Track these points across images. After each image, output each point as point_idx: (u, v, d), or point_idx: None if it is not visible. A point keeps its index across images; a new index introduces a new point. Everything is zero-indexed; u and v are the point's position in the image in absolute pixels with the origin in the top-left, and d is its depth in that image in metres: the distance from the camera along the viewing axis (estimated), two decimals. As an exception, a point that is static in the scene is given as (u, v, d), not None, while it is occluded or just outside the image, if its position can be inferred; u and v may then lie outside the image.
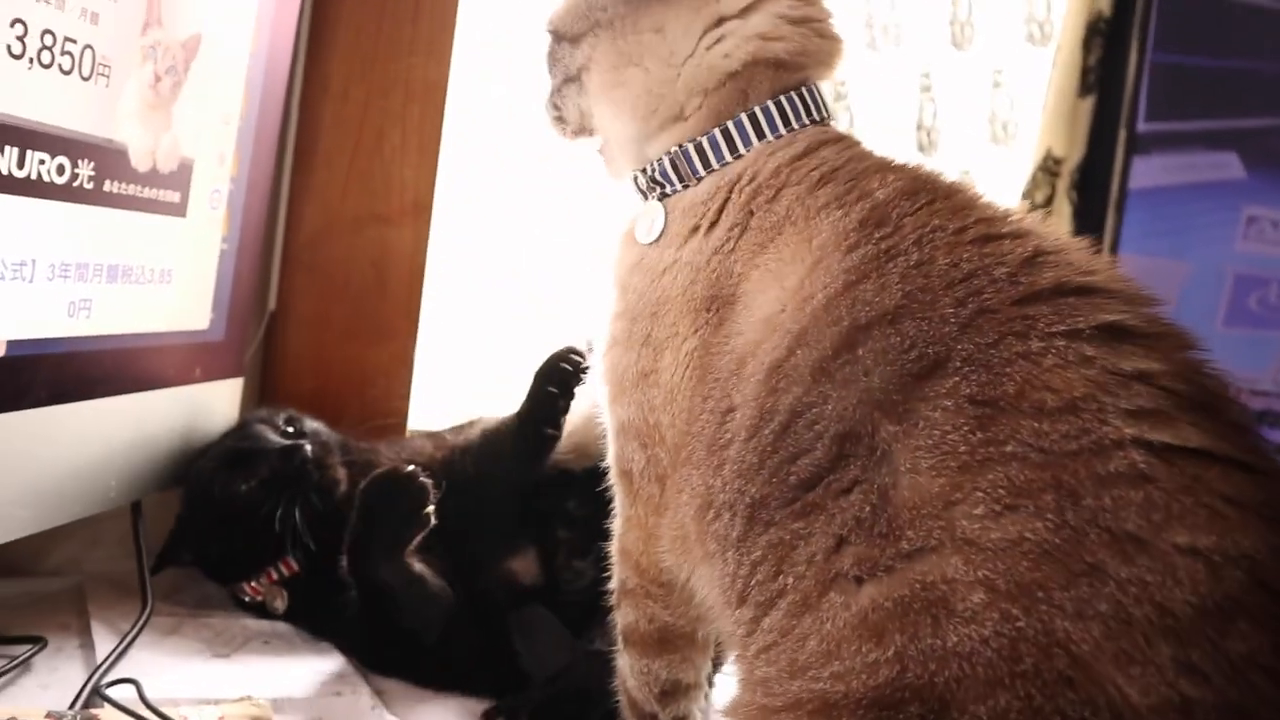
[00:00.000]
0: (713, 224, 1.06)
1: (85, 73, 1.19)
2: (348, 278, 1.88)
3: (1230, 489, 0.76)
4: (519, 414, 1.45)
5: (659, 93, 1.11)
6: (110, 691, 1.19)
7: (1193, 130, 2.31)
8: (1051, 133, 2.28)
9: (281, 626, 1.48)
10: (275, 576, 1.46)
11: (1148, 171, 2.29)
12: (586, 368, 1.36)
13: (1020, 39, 2.39)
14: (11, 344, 1.16)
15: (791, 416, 0.89)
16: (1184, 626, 0.71)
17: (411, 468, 1.34)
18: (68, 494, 1.33)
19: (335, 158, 1.85)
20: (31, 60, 1.10)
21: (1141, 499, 0.74)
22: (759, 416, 0.92)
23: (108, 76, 1.23)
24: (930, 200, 0.96)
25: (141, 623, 1.39)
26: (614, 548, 1.15)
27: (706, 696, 1.17)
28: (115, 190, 1.28)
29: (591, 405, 1.24)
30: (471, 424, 1.56)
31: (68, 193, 1.20)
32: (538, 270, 2.18)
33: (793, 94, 1.09)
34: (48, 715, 1.08)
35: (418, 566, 1.35)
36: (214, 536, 1.45)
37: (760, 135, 1.08)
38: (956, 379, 0.82)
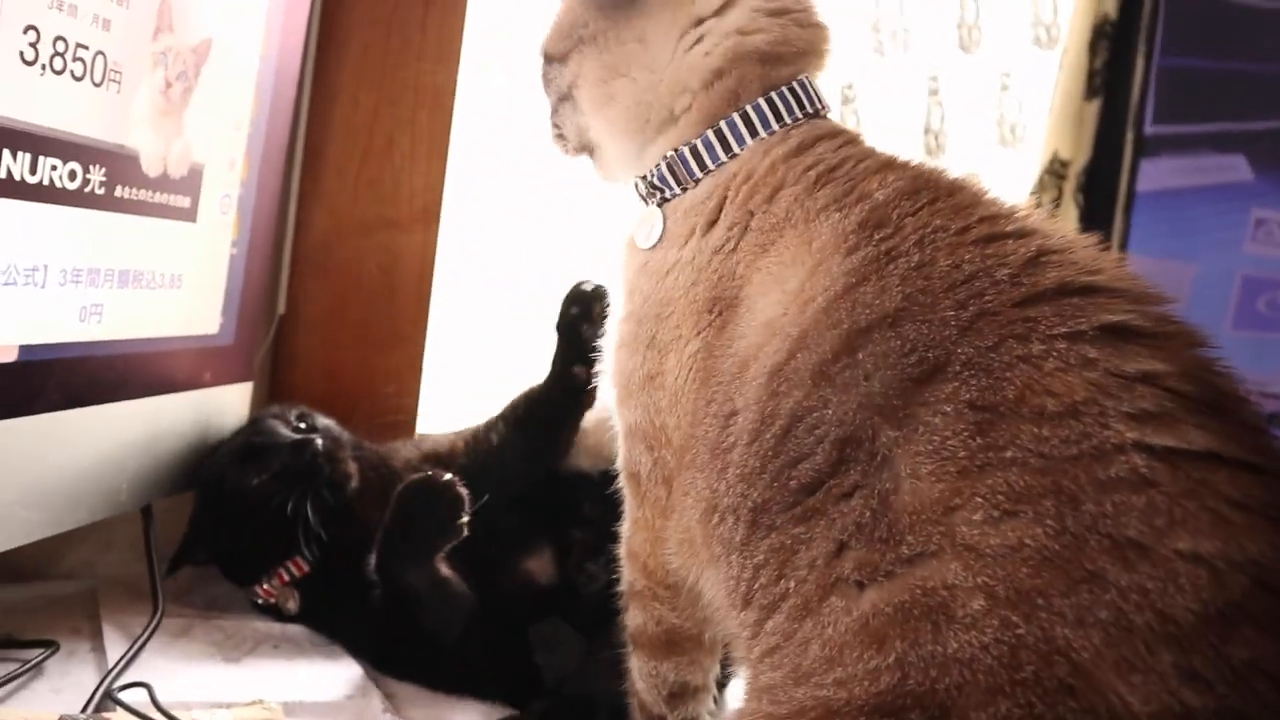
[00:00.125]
0: (711, 223, 1.06)
1: (97, 79, 1.20)
2: (357, 282, 1.88)
3: (1237, 492, 0.75)
4: (549, 374, 1.50)
5: (648, 99, 1.12)
6: (122, 695, 1.19)
7: (1200, 133, 2.31)
8: (1058, 136, 2.28)
9: (292, 630, 1.48)
10: (286, 578, 1.46)
11: (1155, 174, 2.29)
12: (605, 292, 1.38)
13: (1027, 42, 2.38)
14: (24, 349, 1.17)
15: (792, 421, 0.89)
16: (1186, 633, 0.70)
17: (449, 476, 1.35)
18: (79, 498, 1.34)
19: (345, 162, 1.86)
20: (44, 67, 1.11)
21: (1143, 504, 0.74)
22: (760, 420, 0.92)
23: (119, 82, 1.23)
24: (931, 200, 0.95)
25: (153, 626, 1.40)
26: (622, 550, 1.16)
27: (715, 699, 1.18)
28: (126, 196, 1.29)
29: (604, 408, 1.25)
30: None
31: (79, 198, 1.21)
32: (544, 273, 2.18)
33: (784, 89, 1.09)
34: (60, 719, 1.09)
35: (443, 570, 1.36)
36: (227, 532, 1.46)
37: (754, 133, 1.08)
38: (956, 384, 0.82)
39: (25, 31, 1.08)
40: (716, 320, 1.02)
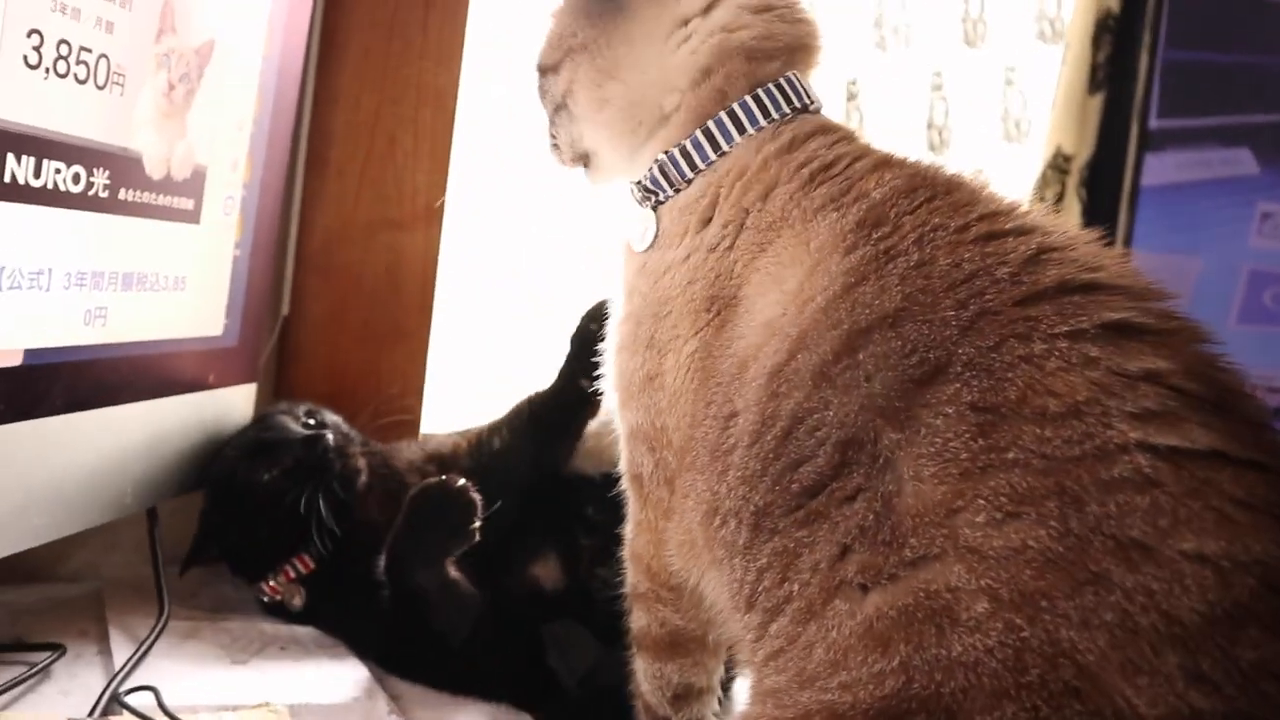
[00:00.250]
0: (705, 221, 1.06)
1: (100, 81, 1.20)
2: (360, 282, 1.89)
3: (1242, 491, 0.74)
4: (555, 381, 1.50)
5: (639, 101, 1.12)
6: (129, 699, 1.20)
7: (1205, 126, 2.30)
8: (1061, 130, 2.27)
9: (299, 631, 1.49)
10: (293, 575, 1.47)
11: (1160, 168, 2.28)
12: None
13: (1031, 36, 2.38)
14: (29, 353, 1.17)
15: (793, 422, 0.89)
16: (1192, 635, 0.70)
17: (463, 482, 1.35)
18: (85, 500, 1.34)
19: (347, 163, 1.86)
20: (48, 70, 1.11)
21: (1147, 504, 0.73)
22: (761, 422, 0.92)
23: (122, 85, 1.24)
24: (930, 197, 0.94)
25: (159, 629, 1.40)
26: (626, 552, 1.16)
27: (720, 701, 1.18)
28: (130, 198, 1.29)
29: (606, 411, 1.25)
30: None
31: (83, 201, 1.21)
32: (546, 272, 2.18)
33: (771, 85, 1.09)
34: (67, 721, 1.10)
35: (453, 572, 1.36)
36: (237, 528, 1.46)
37: (741, 130, 1.08)
38: (958, 385, 0.81)
39: (29, 35, 1.08)
40: (714, 320, 1.02)
